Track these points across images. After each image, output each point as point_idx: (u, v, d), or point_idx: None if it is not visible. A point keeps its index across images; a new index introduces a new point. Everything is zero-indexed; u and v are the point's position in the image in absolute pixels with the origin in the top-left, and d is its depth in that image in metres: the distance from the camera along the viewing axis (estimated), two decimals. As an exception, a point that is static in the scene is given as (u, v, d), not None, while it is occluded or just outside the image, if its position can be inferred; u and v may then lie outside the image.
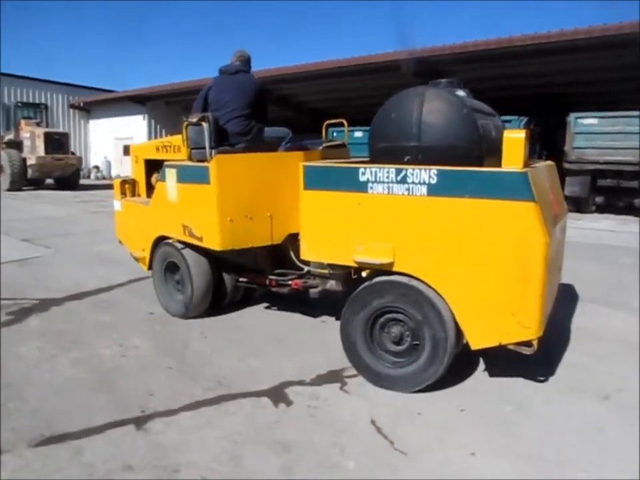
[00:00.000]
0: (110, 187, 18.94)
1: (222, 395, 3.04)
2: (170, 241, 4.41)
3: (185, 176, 4.08)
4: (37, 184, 18.39)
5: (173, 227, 4.26)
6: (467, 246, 2.83)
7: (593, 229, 9.73)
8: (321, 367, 3.41)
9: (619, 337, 4.05)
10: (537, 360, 3.21)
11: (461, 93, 3.35)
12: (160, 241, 4.55)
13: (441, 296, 2.96)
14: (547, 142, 13.35)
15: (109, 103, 24.45)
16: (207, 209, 3.85)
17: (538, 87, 14.83)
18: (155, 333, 4.05)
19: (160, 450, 2.47)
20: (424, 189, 2.90)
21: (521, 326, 2.77)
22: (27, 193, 16.98)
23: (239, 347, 3.78)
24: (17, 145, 17.92)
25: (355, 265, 3.25)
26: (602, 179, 11.69)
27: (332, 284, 3.74)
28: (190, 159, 3.99)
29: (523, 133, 2.79)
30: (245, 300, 4.69)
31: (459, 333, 2.98)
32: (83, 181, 20.14)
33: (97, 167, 25.34)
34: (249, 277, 4.37)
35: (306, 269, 3.91)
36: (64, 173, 18.28)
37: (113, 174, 24.67)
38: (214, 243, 3.87)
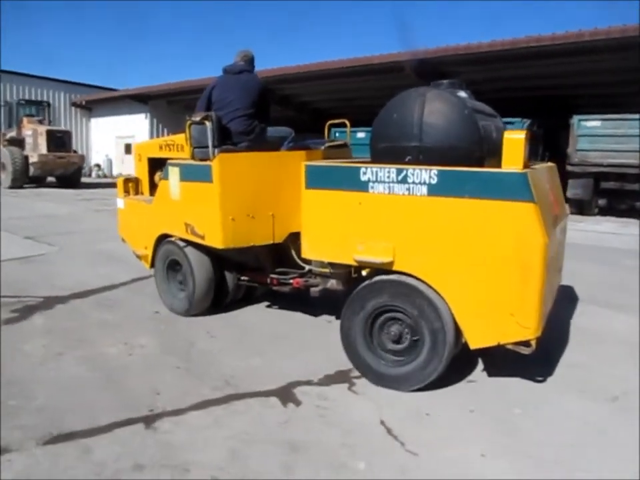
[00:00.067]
0: (111, 185, 19.09)
1: (230, 394, 3.03)
2: (172, 239, 4.43)
3: (187, 174, 4.10)
4: (38, 182, 18.41)
5: (176, 225, 4.29)
6: (467, 246, 2.85)
7: (595, 232, 9.72)
8: (327, 367, 3.40)
9: (621, 339, 4.05)
10: (536, 360, 3.23)
11: (462, 94, 3.37)
12: (162, 239, 4.57)
13: (440, 295, 2.97)
14: (549, 144, 13.35)
15: (111, 102, 24.53)
16: (209, 207, 3.88)
17: (541, 89, 14.85)
18: (160, 332, 4.06)
19: (169, 449, 2.47)
20: (424, 189, 2.92)
21: (520, 326, 2.79)
22: (29, 190, 16.99)
23: (245, 346, 3.78)
24: (19, 142, 17.92)
25: (355, 264, 3.28)
26: (605, 181, 11.68)
27: (333, 283, 3.76)
28: (193, 157, 4.03)
29: (522, 134, 2.81)
30: (246, 298, 4.72)
31: (457, 332, 3.00)
32: (84, 179, 20.17)
33: (98, 165, 25.44)
34: (251, 275, 4.40)
35: (307, 267, 3.94)
36: (66, 171, 18.31)
37: (114, 172, 24.74)
38: (216, 241, 3.90)
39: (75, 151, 19.40)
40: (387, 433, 2.65)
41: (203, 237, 4.02)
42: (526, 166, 2.81)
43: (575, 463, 2.43)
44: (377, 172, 3.07)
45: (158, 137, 21.50)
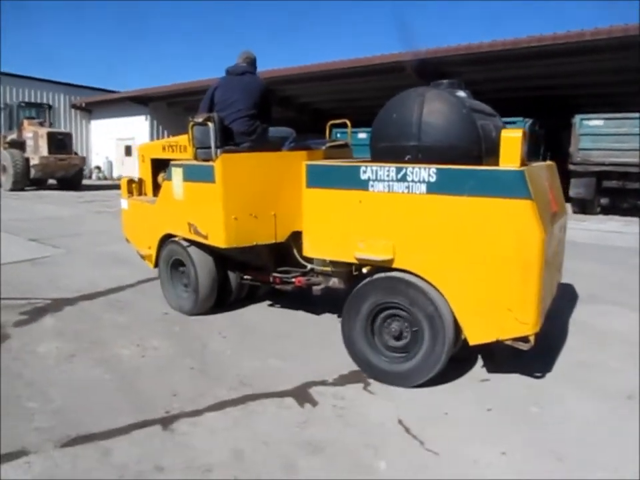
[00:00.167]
0: (112, 187, 19.10)
1: (246, 395, 3.03)
2: (176, 238, 4.49)
3: (190, 175, 4.16)
4: (39, 184, 18.39)
5: (179, 225, 4.34)
6: (465, 243, 2.89)
7: (599, 230, 9.74)
8: (340, 366, 3.40)
9: (627, 337, 4.06)
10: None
11: (461, 93, 3.41)
12: (166, 239, 4.62)
13: (439, 292, 3.02)
14: (551, 143, 13.38)
15: (111, 104, 24.53)
16: (212, 207, 3.93)
17: (543, 89, 14.87)
18: (172, 333, 4.06)
19: (189, 450, 2.47)
20: (423, 187, 2.96)
21: (518, 322, 2.83)
22: (30, 193, 16.96)
23: (257, 346, 3.79)
24: (19, 144, 17.91)
25: (356, 261, 3.32)
26: (607, 180, 11.69)
27: (335, 281, 3.80)
28: (196, 158, 4.07)
29: (519, 132, 2.85)
30: (249, 297, 4.76)
31: (457, 328, 3.04)
32: (84, 182, 20.10)
33: (98, 168, 25.44)
34: (254, 274, 4.44)
35: (309, 266, 3.98)
36: (67, 173, 18.29)
37: (115, 174, 24.76)
38: (219, 240, 3.95)
39: (76, 153, 19.39)
40: (406, 432, 2.66)
41: (206, 237, 4.07)
42: (523, 164, 2.85)
43: (597, 461, 2.43)
44: (376, 171, 3.12)
45: (158, 138, 21.58)
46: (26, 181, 17.59)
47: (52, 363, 3.45)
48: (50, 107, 20.95)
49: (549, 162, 4.16)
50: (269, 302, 4.84)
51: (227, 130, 4.07)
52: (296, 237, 3.97)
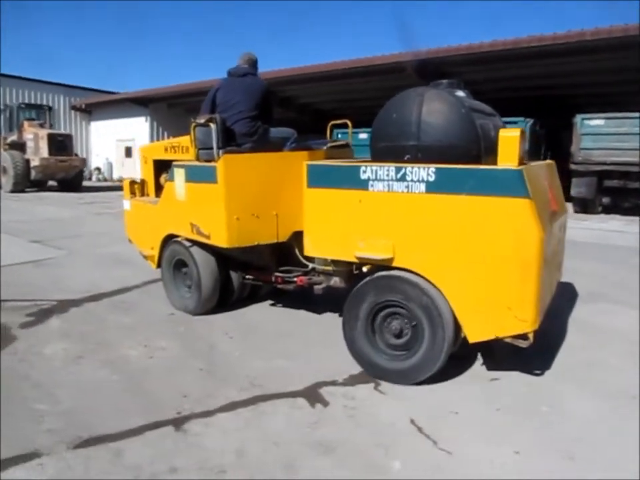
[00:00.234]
0: (112, 188, 19.04)
1: (257, 395, 3.03)
2: (178, 239, 4.52)
3: (193, 175, 4.19)
4: (39, 185, 18.37)
5: (182, 226, 4.37)
6: (465, 241, 2.92)
7: (600, 230, 9.75)
8: (349, 366, 3.39)
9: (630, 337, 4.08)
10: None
11: (460, 93, 3.44)
12: (169, 239, 4.66)
13: (439, 290, 3.05)
14: (552, 143, 13.39)
15: (111, 105, 24.52)
16: (214, 207, 3.96)
17: (543, 89, 14.88)
18: (179, 333, 4.06)
19: (203, 451, 2.46)
20: (422, 187, 2.99)
21: (517, 319, 2.85)
22: (30, 194, 16.94)
23: (263, 346, 3.80)
24: (20, 146, 17.89)
25: (356, 260, 3.35)
26: (608, 179, 11.70)
27: (336, 281, 3.83)
28: (198, 159, 4.11)
29: (517, 132, 2.88)
30: (251, 297, 4.79)
31: (457, 326, 3.07)
32: (84, 183, 20.03)
33: (98, 169, 25.43)
34: (255, 274, 4.47)
35: (310, 266, 4.01)
36: (67, 175, 18.26)
37: (115, 176, 24.75)
38: (221, 240, 3.98)
39: (76, 155, 19.39)
40: (418, 432, 2.66)
41: (208, 237, 4.10)
42: (521, 162, 2.88)
43: (610, 460, 2.43)
44: (376, 170, 3.15)
45: (158, 140, 21.59)
46: (26, 182, 17.56)
47: (59, 365, 3.44)
48: (50, 108, 20.93)
49: (548, 161, 4.19)
50: (270, 301, 4.87)
51: (229, 131, 4.11)
52: (297, 236, 4.00)
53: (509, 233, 2.79)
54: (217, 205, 3.92)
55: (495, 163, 2.94)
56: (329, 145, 4.52)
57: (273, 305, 4.82)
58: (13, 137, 18.41)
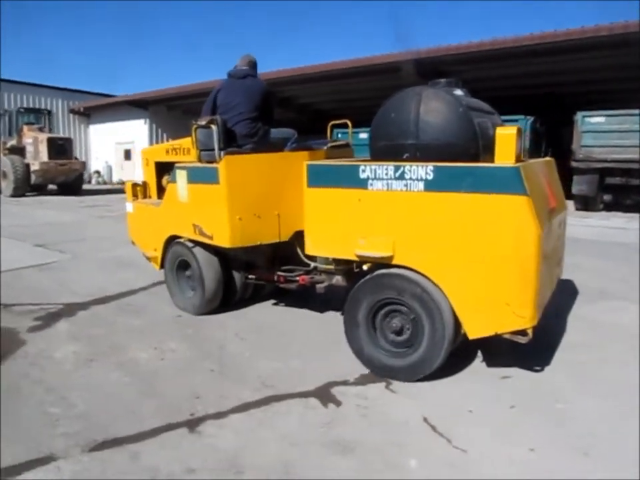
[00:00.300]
0: (112, 191, 19.00)
1: (269, 396, 3.04)
2: (181, 240, 4.56)
3: (195, 177, 4.23)
4: (39, 190, 18.37)
5: (184, 227, 4.41)
6: (463, 239, 2.95)
7: (601, 227, 9.76)
8: (361, 366, 3.40)
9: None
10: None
11: (458, 92, 3.46)
12: (171, 240, 4.70)
13: (439, 287, 3.08)
14: (552, 141, 13.40)
15: (110, 108, 24.51)
16: (216, 208, 4.00)
17: (544, 86, 14.88)
18: (188, 335, 4.08)
19: (219, 452, 2.47)
20: (421, 185, 3.03)
21: (516, 315, 2.88)
22: (31, 198, 16.92)
23: (273, 347, 3.82)
24: (19, 150, 17.90)
25: (356, 259, 3.39)
26: (610, 177, 11.71)
27: (338, 279, 3.87)
28: (200, 160, 4.15)
29: (513, 130, 2.91)
30: (254, 297, 4.82)
31: (457, 323, 3.10)
32: (84, 186, 20.01)
33: (97, 172, 25.44)
34: (258, 273, 4.51)
35: (312, 265, 4.05)
36: (67, 178, 18.28)
37: (114, 179, 24.76)
38: (224, 240, 4.02)
39: (76, 158, 19.37)
40: (432, 430, 2.67)
41: (211, 237, 4.14)
42: (519, 160, 2.91)
43: (628, 457, 2.43)
44: (375, 169, 3.19)
45: (157, 142, 21.60)
46: (26, 186, 17.55)
47: (70, 368, 3.45)
48: (49, 112, 20.91)
49: (547, 158, 4.21)
50: (273, 301, 4.89)
51: (230, 132, 4.15)
52: (299, 236, 4.03)
53: (507, 230, 2.82)
54: (219, 205, 3.96)
55: (493, 160, 2.98)
56: (330, 144, 4.56)
57: (275, 304, 4.85)
58: (13, 142, 18.41)
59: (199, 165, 4.17)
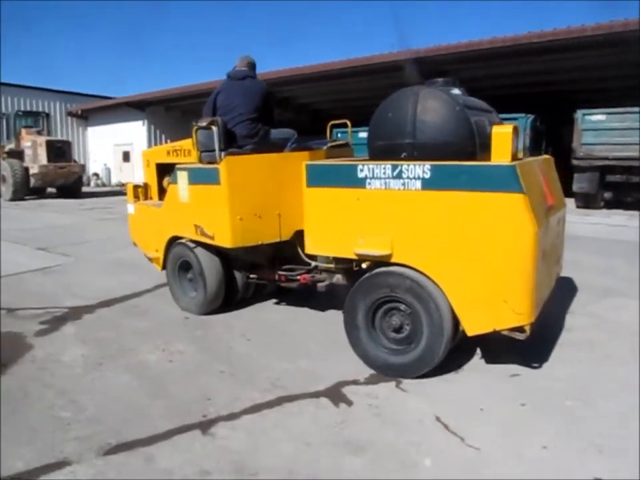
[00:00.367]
0: (111, 194, 18.93)
1: (280, 396, 3.05)
2: (183, 240, 4.60)
3: (196, 178, 4.27)
4: (39, 193, 18.32)
5: (186, 227, 4.45)
6: (461, 237, 2.98)
7: (602, 224, 9.76)
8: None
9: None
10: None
11: (455, 91, 3.49)
12: (173, 241, 4.74)
13: (437, 285, 3.11)
14: (553, 139, 13.41)
15: (108, 110, 24.40)
16: (218, 208, 4.04)
17: (544, 85, 14.89)
18: (196, 337, 4.08)
19: (232, 454, 2.47)
20: (418, 184, 3.06)
21: (514, 312, 2.91)
22: (30, 202, 16.85)
23: (281, 347, 3.82)
24: (18, 154, 17.82)
25: (356, 257, 3.42)
26: (610, 174, 11.71)
27: (338, 278, 3.91)
28: (200, 161, 4.19)
29: (510, 128, 2.94)
30: (255, 296, 4.86)
31: (455, 320, 3.13)
32: (83, 189, 19.93)
33: (96, 174, 25.33)
34: (259, 273, 4.54)
35: (313, 264, 4.09)
36: (66, 181, 18.20)
37: (113, 181, 24.67)
38: (225, 240, 4.06)
39: (75, 161, 19.28)
40: (445, 429, 2.67)
41: (212, 238, 4.18)
42: (515, 158, 2.94)
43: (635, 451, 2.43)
44: (373, 169, 3.22)
45: (156, 143, 21.56)
46: (26, 190, 17.45)
47: (80, 372, 3.45)
48: (47, 115, 20.77)
49: (545, 156, 4.24)
50: (275, 300, 4.92)
51: (230, 133, 4.19)
52: (300, 235, 4.06)
53: (504, 228, 2.85)
54: (221, 206, 4.00)
55: (490, 159, 3.00)
56: (329, 144, 4.59)
57: (277, 303, 4.88)
58: (11, 145, 18.34)
59: (200, 165, 4.21)
